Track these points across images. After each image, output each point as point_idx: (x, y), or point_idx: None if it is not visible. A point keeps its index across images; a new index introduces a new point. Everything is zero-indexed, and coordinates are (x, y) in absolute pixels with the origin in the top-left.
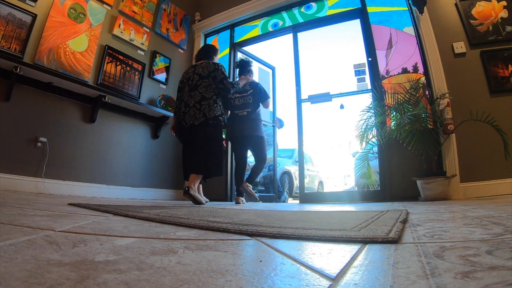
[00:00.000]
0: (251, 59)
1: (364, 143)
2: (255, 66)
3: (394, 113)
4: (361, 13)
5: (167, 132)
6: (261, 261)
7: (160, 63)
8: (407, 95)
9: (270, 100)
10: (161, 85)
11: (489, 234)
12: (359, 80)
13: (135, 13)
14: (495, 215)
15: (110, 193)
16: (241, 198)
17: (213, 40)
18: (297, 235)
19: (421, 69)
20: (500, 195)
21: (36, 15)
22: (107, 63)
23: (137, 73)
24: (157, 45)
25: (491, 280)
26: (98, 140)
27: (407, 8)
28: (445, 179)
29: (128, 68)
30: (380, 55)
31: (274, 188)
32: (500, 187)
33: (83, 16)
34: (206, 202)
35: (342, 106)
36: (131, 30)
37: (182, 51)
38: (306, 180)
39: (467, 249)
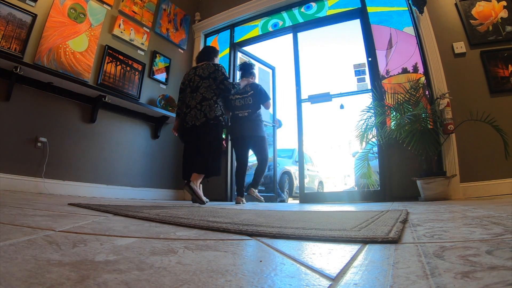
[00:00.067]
0: (253, 62)
1: (364, 143)
2: (255, 66)
3: (394, 113)
4: (361, 13)
5: (167, 132)
6: (261, 261)
7: (160, 63)
8: (407, 95)
9: (271, 101)
10: (161, 85)
11: (489, 234)
12: (359, 80)
13: (135, 13)
14: (495, 215)
15: (110, 193)
16: (241, 198)
17: (213, 40)
18: (297, 235)
19: (421, 69)
20: (500, 195)
21: (36, 15)
22: (107, 63)
23: (137, 73)
24: (157, 45)
25: (491, 280)
26: (98, 140)
27: (407, 8)
28: (445, 179)
29: (128, 68)
30: (380, 55)
31: (274, 188)
32: (500, 187)
33: (83, 16)
34: (207, 202)
35: (342, 106)
36: (131, 30)
37: (182, 51)
38: (306, 180)
39: (467, 249)
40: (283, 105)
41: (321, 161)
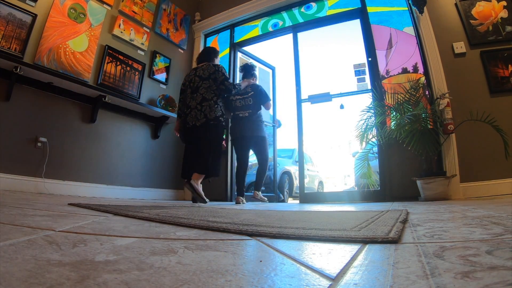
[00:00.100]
0: (254, 63)
1: (364, 143)
2: None
3: (394, 113)
4: (361, 13)
5: (167, 132)
6: (261, 261)
7: (160, 63)
8: (407, 95)
9: (271, 102)
10: (161, 85)
11: (489, 234)
12: (359, 80)
13: (135, 13)
14: (495, 215)
15: (110, 193)
16: (241, 198)
17: (213, 40)
18: (297, 235)
19: (421, 69)
20: (500, 195)
21: (36, 15)
22: (107, 63)
23: (137, 73)
24: (157, 45)
25: (491, 280)
26: (98, 140)
27: (407, 8)
28: (445, 179)
29: (128, 68)
30: (380, 55)
31: (274, 188)
32: (500, 187)
33: (83, 16)
34: (207, 202)
35: (342, 106)
36: (131, 30)
37: (182, 51)
38: (306, 180)
39: (467, 249)
40: (283, 105)
41: (321, 161)
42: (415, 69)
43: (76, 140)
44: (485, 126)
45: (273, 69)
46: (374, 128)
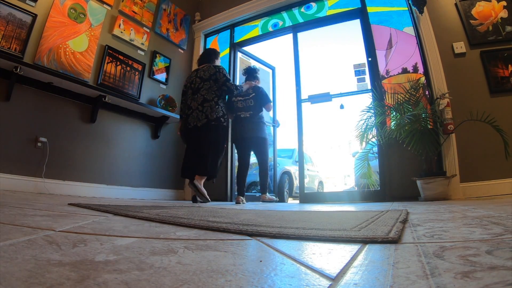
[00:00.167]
0: (257, 66)
1: (364, 143)
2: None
3: (394, 113)
4: (361, 13)
5: (167, 132)
6: (261, 261)
7: (160, 63)
8: (407, 95)
9: (272, 104)
10: (161, 85)
11: (489, 234)
12: (359, 80)
13: (135, 13)
14: (495, 215)
15: (110, 193)
16: (242, 197)
17: (213, 40)
18: (297, 235)
19: (421, 69)
20: (500, 195)
21: (36, 15)
22: (107, 63)
23: (137, 73)
24: (157, 45)
25: (491, 280)
26: (98, 140)
27: (407, 8)
28: (445, 179)
29: (128, 68)
30: (380, 55)
31: (274, 188)
32: (500, 187)
33: (83, 16)
34: (209, 201)
35: (342, 106)
36: (131, 30)
37: (182, 51)
38: (306, 180)
39: (467, 249)
40: (283, 105)
41: (321, 161)
42: (415, 69)
43: (76, 140)
44: (485, 126)
45: (273, 69)
46: (374, 128)
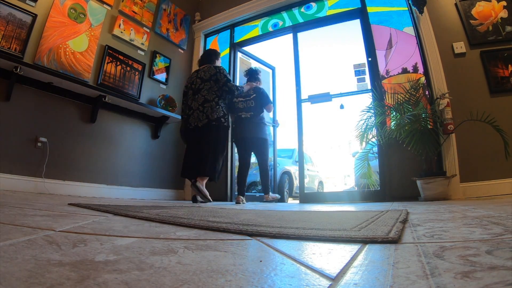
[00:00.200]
0: (259, 67)
1: (364, 143)
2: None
3: (394, 113)
4: (361, 13)
5: (167, 132)
6: (261, 261)
7: (160, 63)
8: (407, 95)
9: (272, 105)
10: (161, 85)
11: (489, 234)
12: (359, 80)
13: (135, 13)
14: (495, 215)
15: (110, 193)
16: (242, 197)
17: (213, 40)
18: (297, 235)
19: (421, 69)
20: (500, 195)
21: (36, 15)
22: (107, 63)
23: (137, 73)
24: (157, 45)
25: (491, 280)
26: (98, 140)
27: (407, 8)
28: (445, 179)
29: (128, 68)
30: (380, 55)
31: (274, 188)
32: (500, 187)
33: (83, 16)
34: (211, 201)
35: (342, 106)
36: (131, 30)
37: (182, 51)
38: (306, 180)
39: (467, 249)
40: (283, 105)
41: (321, 161)
42: (415, 69)
43: (76, 140)
44: (485, 126)
45: (273, 69)
46: (374, 128)
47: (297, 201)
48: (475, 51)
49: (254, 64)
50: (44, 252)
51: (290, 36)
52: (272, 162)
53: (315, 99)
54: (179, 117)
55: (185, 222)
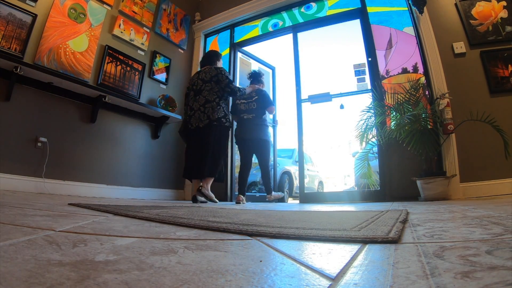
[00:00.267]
0: (262, 71)
1: (364, 143)
2: (255, 66)
3: (394, 113)
4: (361, 13)
5: (167, 132)
6: (261, 261)
7: (160, 63)
8: (407, 95)
9: (274, 107)
10: (161, 85)
11: (489, 234)
12: (359, 80)
13: (135, 13)
14: (495, 215)
15: (110, 193)
16: (242, 196)
17: (213, 40)
18: (297, 235)
19: (421, 69)
20: (500, 195)
21: (36, 15)
22: (107, 63)
23: (137, 73)
24: (157, 45)
25: (491, 280)
26: (98, 140)
27: (407, 8)
28: (445, 179)
29: (128, 68)
30: (380, 55)
31: (274, 188)
32: (500, 187)
33: (83, 16)
34: (207, 202)
35: (342, 106)
36: (131, 30)
37: (182, 51)
38: (306, 180)
39: (467, 249)
40: (283, 105)
41: (321, 161)
42: (415, 69)
43: (76, 140)
44: (485, 126)
45: (273, 69)
46: (374, 128)
47: (297, 201)
48: (475, 51)
49: (254, 64)
50: (44, 252)
51: (290, 36)
52: (272, 162)
53: (315, 99)
54: (179, 117)
55: (185, 222)
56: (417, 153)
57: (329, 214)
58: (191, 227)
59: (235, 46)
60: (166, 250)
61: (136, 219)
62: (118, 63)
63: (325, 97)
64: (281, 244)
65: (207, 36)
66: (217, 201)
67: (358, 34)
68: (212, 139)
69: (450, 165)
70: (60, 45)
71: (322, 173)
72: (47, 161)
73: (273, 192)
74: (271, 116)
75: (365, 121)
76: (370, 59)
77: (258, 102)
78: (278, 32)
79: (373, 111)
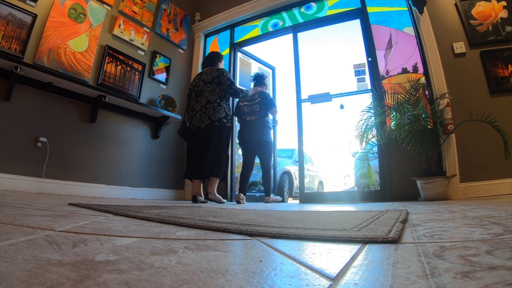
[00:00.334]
0: (266, 73)
1: (364, 143)
2: (255, 66)
3: (394, 113)
4: (361, 13)
5: (167, 132)
6: (261, 261)
7: (160, 63)
8: (407, 95)
9: (277, 109)
10: (161, 85)
11: (489, 234)
12: (359, 80)
13: (135, 13)
14: (495, 215)
15: (110, 193)
16: (242, 195)
17: (213, 40)
18: (297, 235)
19: (421, 69)
20: (500, 195)
21: (36, 15)
22: (107, 63)
23: (137, 73)
24: (157, 45)
25: (491, 280)
26: (98, 140)
27: (407, 8)
28: (445, 179)
29: (128, 68)
30: (380, 55)
31: (274, 188)
32: (500, 187)
33: (83, 16)
34: (207, 202)
35: (342, 106)
36: (131, 30)
37: (182, 51)
38: (306, 180)
39: (467, 249)
40: (283, 105)
41: (321, 161)
42: (415, 69)
43: (76, 140)
44: (485, 126)
45: (273, 69)
46: (374, 128)
47: (297, 201)
48: (475, 51)
49: (254, 64)
50: (44, 252)
51: (290, 36)
52: (272, 162)
53: (315, 99)
54: (179, 117)
55: (185, 222)
56: (417, 153)
57: (329, 214)
58: (191, 227)
59: (235, 46)
60: (166, 250)
61: (136, 219)
62: (118, 63)
63: (325, 97)
64: (281, 244)
65: (207, 36)
66: (225, 201)
67: (358, 34)
68: (213, 139)
69: (450, 165)
70: (60, 45)
71: (322, 173)
72: (47, 161)
73: (271, 195)
74: (271, 117)
75: (365, 121)
76: (370, 59)
77: (261, 104)
78: (278, 32)
79: (373, 111)
